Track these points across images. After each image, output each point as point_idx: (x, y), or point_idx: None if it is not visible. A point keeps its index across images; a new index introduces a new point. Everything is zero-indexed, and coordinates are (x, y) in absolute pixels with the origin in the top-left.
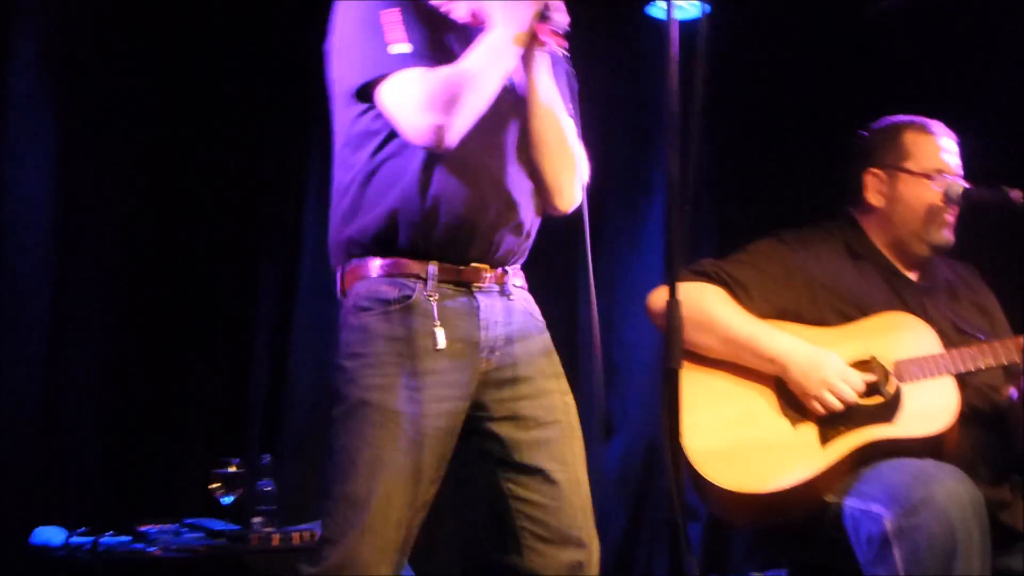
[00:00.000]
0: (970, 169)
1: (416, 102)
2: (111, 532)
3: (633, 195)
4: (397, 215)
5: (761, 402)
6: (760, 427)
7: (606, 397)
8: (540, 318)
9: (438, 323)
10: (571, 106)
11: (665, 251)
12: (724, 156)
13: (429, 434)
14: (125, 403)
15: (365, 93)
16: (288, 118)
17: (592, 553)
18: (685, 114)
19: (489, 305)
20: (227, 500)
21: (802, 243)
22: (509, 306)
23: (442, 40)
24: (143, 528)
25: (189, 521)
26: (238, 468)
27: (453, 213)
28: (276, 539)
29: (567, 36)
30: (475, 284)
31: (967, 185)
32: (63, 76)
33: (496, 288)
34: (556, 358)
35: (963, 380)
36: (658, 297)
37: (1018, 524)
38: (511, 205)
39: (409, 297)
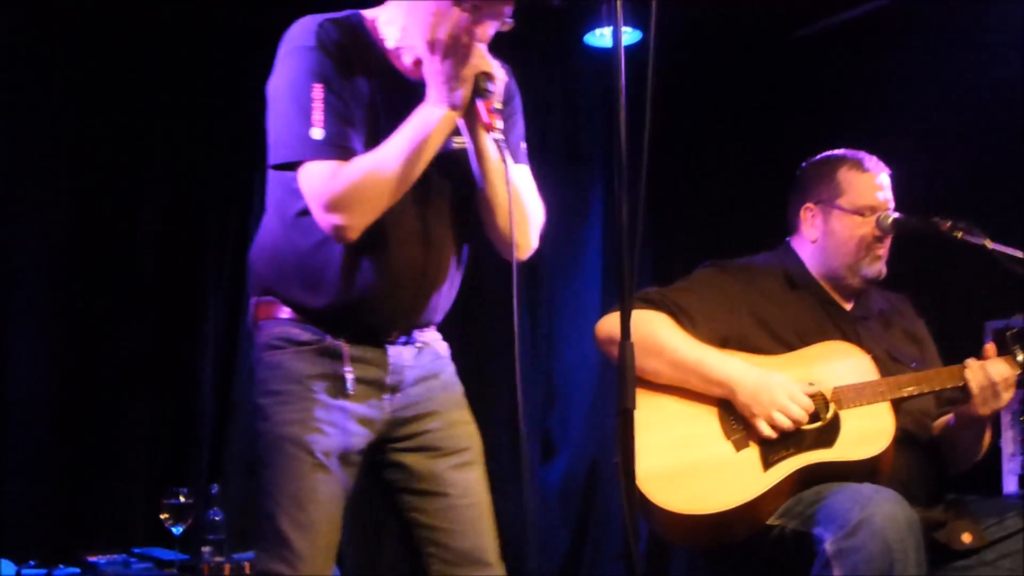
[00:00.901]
0: (898, 195)
1: (323, 200)
2: (61, 564)
3: (571, 218)
4: (314, 284)
5: (705, 425)
6: (704, 450)
7: (548, 417)
8: (445, 353)
9: (349, 367)
10: (520, 140)
11: (619, 293)
12: (659, 185)
13: (341, 467)
14: (72, 433)
15: (286, 168)
16: (234, 149)
17: (499, 573)
18: (631, 143)
19: (397, 352)
20: (178, 530)
21: (743, 272)
22: (417, 350)
23: (374, 106)
24: (92, 559)
25: (138, 551)
26: (187, 498)
27: (367, 283)
28: (227, 569)
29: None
30: (386, 334)
31: (899, 215)
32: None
33: (402, 339)
34: (460, 389)
35: (898, 405)
36: (605, 325)
37: (952, 543)
38: (432, 279)
39: (321, 341)
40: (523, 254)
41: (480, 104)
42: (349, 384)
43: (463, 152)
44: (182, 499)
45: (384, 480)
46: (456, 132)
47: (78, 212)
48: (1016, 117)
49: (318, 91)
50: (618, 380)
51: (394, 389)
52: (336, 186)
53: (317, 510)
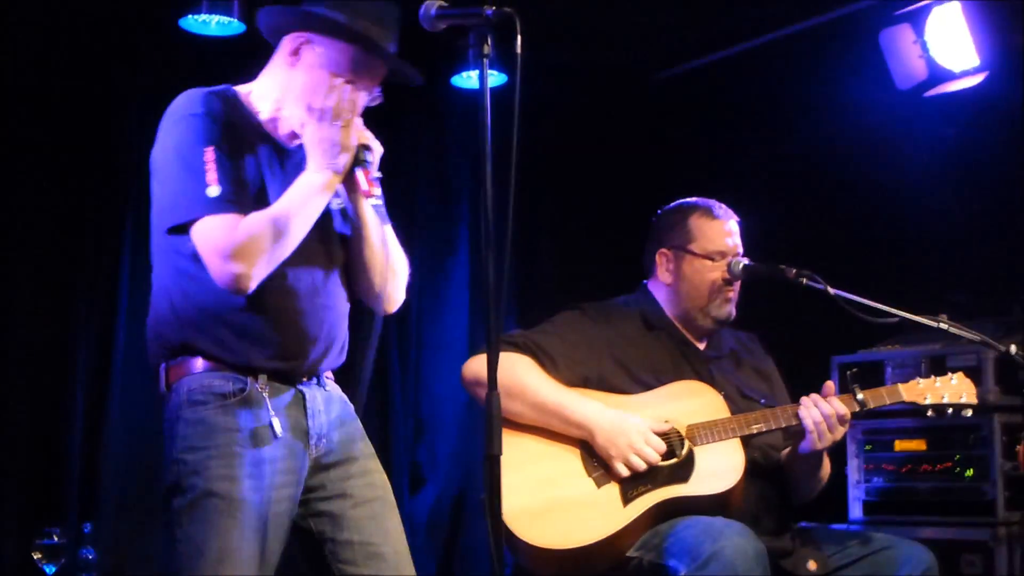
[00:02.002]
0: (752, 239)
1: (221, 251)
2: None
3: (439, 254)
4: (219, 327)
5: (568, 464)
6: (567, 487)
7: (416, 450)
8: (351, 404)
9: (273, 414)
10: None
11: (487, 341)
12: (524, 225)
13: (271, 520)
14: None
15: (182, 230)
16: (104, 186)
17: None
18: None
19: (312, 396)
20: (50, 569)
21: (603, 315)
22: (327, 395)
23: (259, 170)
24: None
25: None
26: (59, 537)
27: (273, 329)
28: None
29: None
30: (299, 379)
31: (749, 262)
32: None
33: (314, 380)
34: (368, 440)
35: (747, 441)
36: (472, 367)
37: (798, 570)
38: (325, 320)
39: (244, 390)
40: (392, 308)
41: (359, 172)
42: (278, 429)
43: (343, 211)
44: (55, 538)
45: (310, 531)
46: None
47: None
48: (867, 169)
49: (210, 153)
50: (485, 427)
51: (317, 436)
52: (237, 237)
53: (241, 566)
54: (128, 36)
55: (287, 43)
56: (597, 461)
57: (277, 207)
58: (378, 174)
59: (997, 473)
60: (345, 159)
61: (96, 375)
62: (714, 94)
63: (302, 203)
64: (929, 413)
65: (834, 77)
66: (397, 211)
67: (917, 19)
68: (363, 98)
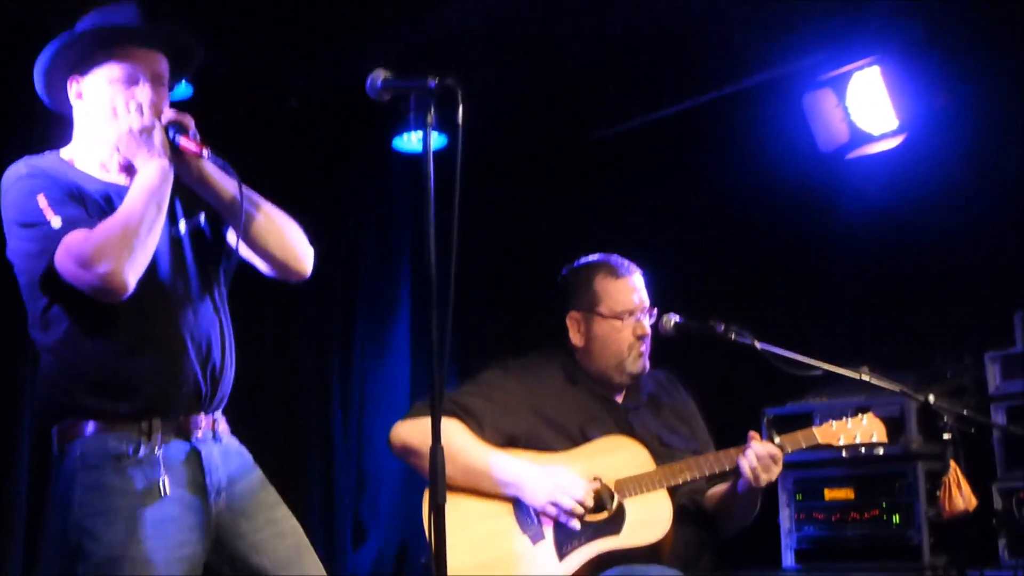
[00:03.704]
0: (680, 297)
1: (85, 255)
2: None
3: (382, 313)
4: (105, 383)
5: (501, 523)
6: (502, 546)
7: (359, 504)
8: (249, 454)
9: (165, 472)
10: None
11: (431, 406)
12: (466, 282)
13: None
14: None
15: (50, 277)
16: None
17: None
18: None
19: (208, 451)
20: None
21: (526, 371)
22: (223, 449)
23: (108, 203)
24: None
25: None
26: None
27: (156, 375)
28: None
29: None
30: (192, 432)
31: (680, 319)
32: None
33: (210, 434)
34: (271, 486)
35: (674, 490)
36: (399, 434)
37: None
38: (207, 354)
39: (137, 450)
40: (307, 267)
41: (181, 139)
42: (167, 489)
43: (196, 233)
44: None
45: None
46: (188, 214)
47: None
48: (793, 227)
49: (43, 199)
50: (430, 478)
51: (216, 491)
52: (92, 239)
53: None
54: None
55: (70, 91)
56: (530, 517)
57: (122, 206)
58: (199, 138)
59: (922, 519)
60: (157, 137)
61: (40, 441)
62: (648, 154)
63: (143, 193)
64: (844, 453)
65: (761, 138)
66: (341, 270)
67: (839, 84)
68: (149, 91)
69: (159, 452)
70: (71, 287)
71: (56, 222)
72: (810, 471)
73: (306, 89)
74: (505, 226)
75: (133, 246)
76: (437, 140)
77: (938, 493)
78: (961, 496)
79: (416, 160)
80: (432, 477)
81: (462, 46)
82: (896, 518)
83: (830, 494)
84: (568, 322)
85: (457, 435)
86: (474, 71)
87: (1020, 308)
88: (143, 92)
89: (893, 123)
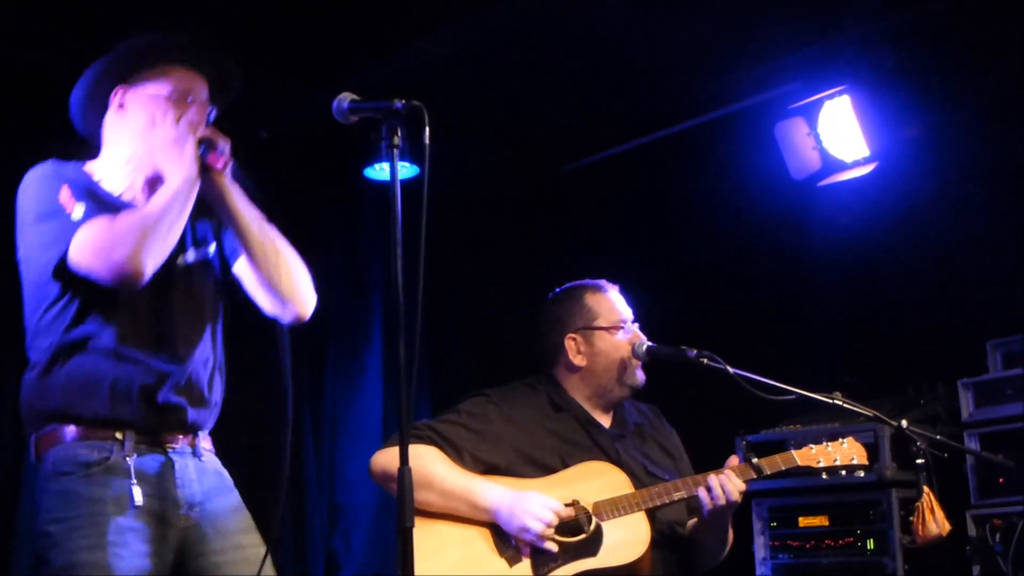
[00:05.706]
0: (654, 325)
1: (107, 242)
2: None
3: (353, 343)
4: (88, 394)
5: (479, 547)
6: (480, 569)
7: (332, 536)
8: (229, 477)
9: (135, 481)
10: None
11: (399, 429)
12: (436, 310)
13: None
14: None
15: (61, 269)
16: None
17: None
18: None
19: (183, 465)
20: None
21: (507, 400)
22: (201, 466)
23: (113, 206)
24: None
25: None
26: None
27: (142, 392)
28: None
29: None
30: (169, 445)
31: (651, 344)
32: None
33: (189, 450)
34: (247, 512)
35: (652, 514)
36: (378, 462)
37: None
38: (196, 381)
39: (108, 458)
40: (307, 309)
41: (209, 155)
42: (137, 497)
43: (203, 264)
44: None
45: None
46: (198, 243)
47: None
48: (766, 254)
49: (66, 190)
50: (398, 501)
51: (188, 505)
52: (115, 228)
53: None
54: None
55: (112, 102)
56: (506, 541)
57: (150, 203)
58: (228, 160)
59: (896, 546)
60: (188, 150)
61: (9, 466)
62: (618, 185)
63: (168, 193)
64: (824, 476)
65: (733, 167)
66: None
67: (810, 112)
68: (190, 110)
69: (131, 461)
70: (81, 281)
71: (77, 212)
72: (784, 498)
73: (276, 121)
74: (477, 257)
75: (152, 237)
76: (408, 170)
77: (912, 519)
78: (935, 521)
79: (388, 190)
80: (400, 499)
81: (432, 77)
82: (870, 544)
83: (804, 521)
84: (567, 344)
85: (435, 462)
86: (444, 103)
87: (992, 336)
88: (184, 109)
89: (864, 151)
